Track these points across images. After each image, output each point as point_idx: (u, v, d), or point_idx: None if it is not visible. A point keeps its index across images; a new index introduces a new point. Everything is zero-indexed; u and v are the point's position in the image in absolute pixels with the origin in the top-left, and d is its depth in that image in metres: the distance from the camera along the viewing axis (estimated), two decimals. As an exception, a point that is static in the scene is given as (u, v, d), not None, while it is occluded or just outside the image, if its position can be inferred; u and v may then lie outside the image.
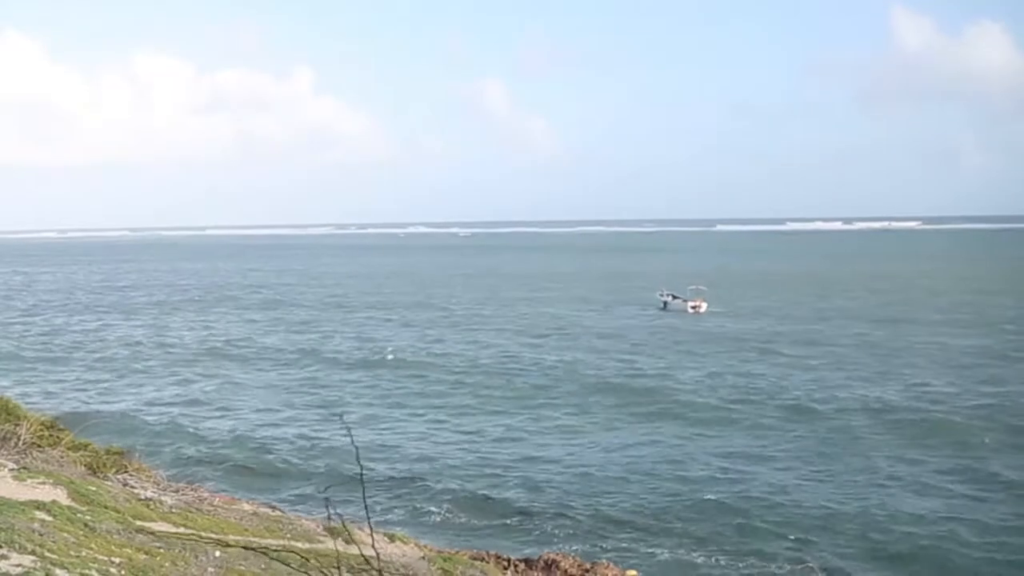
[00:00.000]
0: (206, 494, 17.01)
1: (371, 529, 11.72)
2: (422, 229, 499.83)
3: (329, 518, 16.15)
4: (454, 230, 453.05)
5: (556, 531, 23.79)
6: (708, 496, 25.80)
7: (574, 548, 21.20)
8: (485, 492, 27.03)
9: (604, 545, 22.50)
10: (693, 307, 77.33)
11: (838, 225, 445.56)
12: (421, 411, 38.49)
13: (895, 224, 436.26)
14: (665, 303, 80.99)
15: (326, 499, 16.01)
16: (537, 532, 23.66)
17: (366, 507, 13.06)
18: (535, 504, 25.85)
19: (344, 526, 14.44)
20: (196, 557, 11.43)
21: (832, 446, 31.99)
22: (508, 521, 24.64)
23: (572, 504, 25.80)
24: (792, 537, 24.02)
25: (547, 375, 45.94)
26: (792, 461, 30.37)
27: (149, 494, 15.60)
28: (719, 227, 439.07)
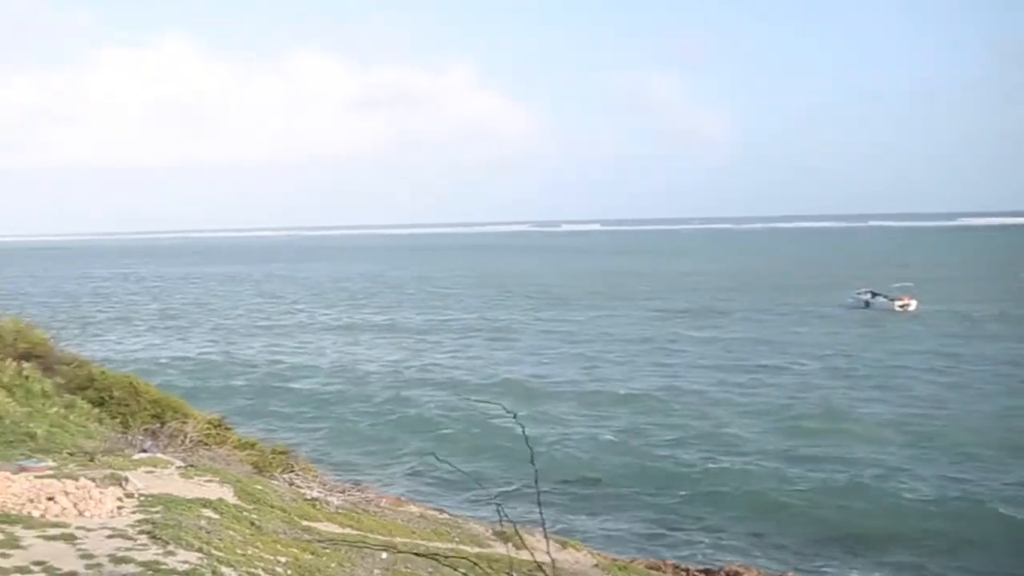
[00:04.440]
0: (372, 495, 18.14)
1: (546, 534, 12.30)
2: (596, 227, 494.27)
3: (501, 522, 16.92)
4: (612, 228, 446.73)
5: (741, 543, 23.80)
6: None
7: (759, 562, 21.20)
8: (663, 499, 27.25)
9: (796, 563, 22.32)
10: (901, 306, 74.44)
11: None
12: (598, 413, 38.97)
13: None
14: (867, 302, 77.97)
15: (497, 503, 16.71)
16: (719, 542, 23.75)
17: (540, 511, 13.63)
18: (720, 514, 25.91)
19: (516, 530, 15.15)
20: (362, 559, 12.39)
21: None
22: (687, 530, 24.83)
23: (765, 517, 25.71)
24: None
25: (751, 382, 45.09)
26: None
27: (315, 494, 16.83)
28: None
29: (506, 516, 14.27)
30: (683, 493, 27.54)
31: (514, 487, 24.95)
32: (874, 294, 78.67)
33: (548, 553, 9.45)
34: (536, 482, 8.59)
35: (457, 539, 16.16)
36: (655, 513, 25.84)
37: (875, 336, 61.50)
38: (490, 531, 17.31)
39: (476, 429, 34.29)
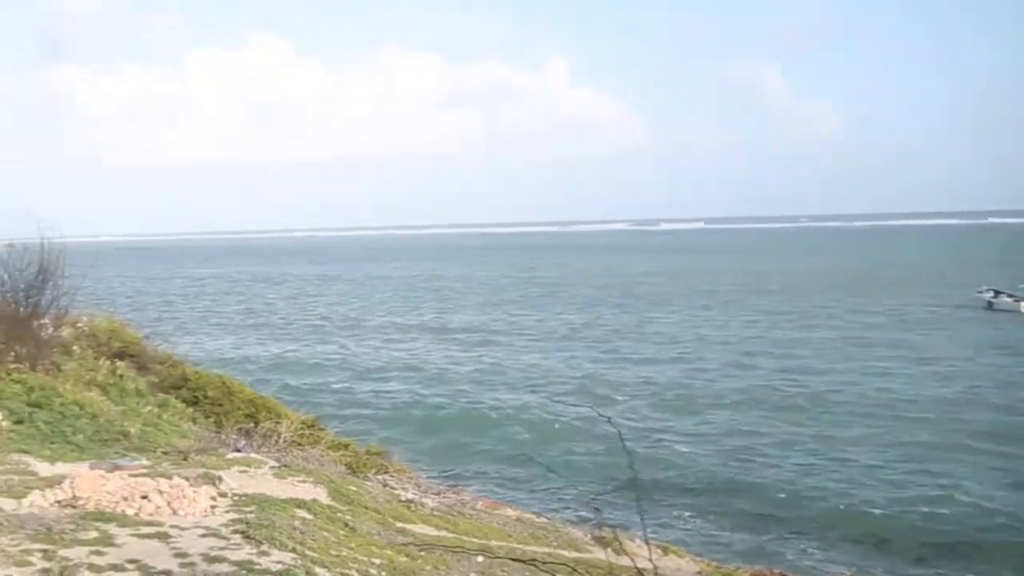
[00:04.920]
0: (468, 497, 18.15)
1: (647, 539, 12.15)
2: (700, 224, 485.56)
3: (600, 527, 16.79)
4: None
5: (853, 553, 23.19)
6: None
7: (874, 569, 20.67)
8: (768, 505, 26.70)
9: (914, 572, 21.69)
10: None
11: None
12: (704, 413, 38.50)
13: None
14: (990, 302, 74.49)
15: (596, 507, 16.62)
16: (829, 551, 23.19)
17: (641, 516, 13.49)
18: (830, 523, 25.28)
19: (616, 536, 15.00)
20: (458, 562, 12.34)
21: None
22: (794, 537, 24.29)
23: (879, 528, 25.04)
24: None
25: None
26: None
27: (410, 496, 16.89)
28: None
29: (605, 520, 14.10)
30: (790, 499, 26.98)
31: (610, 491, 24.73)
32: (997, 293, 75.20)
33: (650, 560, 9.26)
34: (635, 486, 8.38)
35: (554, 544, 16.05)
36: (759, 520, 25.33)
37: (998, 341, 59.17)
38: (588, 536, 17.17)
39: (572, 432, 34.13)
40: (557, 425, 35.64)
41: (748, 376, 46.60)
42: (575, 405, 35.23)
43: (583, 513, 21.48)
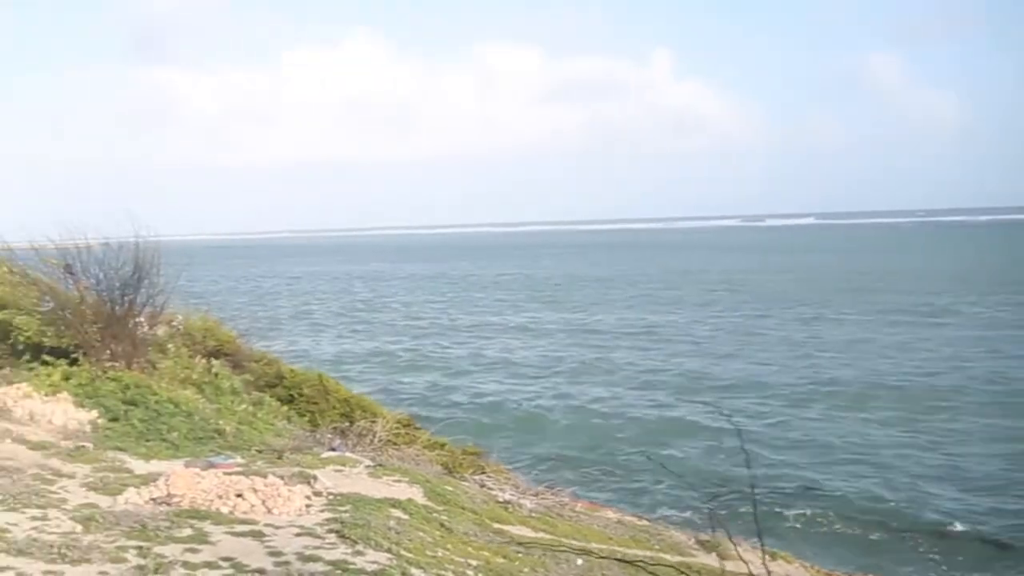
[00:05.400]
0: (567, 499, 18.02)
1: (762, 544, 11.86)
2: (810, 220, 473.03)
3: (713, 529, 16.53)
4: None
5: (973, 559, 22.51)
6: None
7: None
8: (887, 512, 26.06)
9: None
10: None
11: None
12: (817, 412, 37.81)
13: None
14: None
15: (709, 509, 16.36)
16: (950, 557, 22.52)
17: (756, 520, 13.13)
18: (952, 530, 24.59)
19: (729, 537, 14.74)
20: (556, 564, 12.24)
21: None
22: (911, 542, 23.65)
23: (999, 532, 24.25)
24: None
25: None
26: None
27: (507, 496, 16.83)
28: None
29: (718, 523, 13.85)
30: (909, 507, 26.31)
31: (722, 493, 24.38)
32: None
33: (764, 564, 9.04)
34: (752, 488, 8.17)
35: (657, 547, 15.85)
36: (878, 528, 24.79)
37: None
38: (693, 539, 16.94)
39: (678, 432, 33.83)
40: (664, 424, 35.38)
41: (870, 377, 45.58)
42: (689, 402, 34.94)
43: (686, 515, 21.26)
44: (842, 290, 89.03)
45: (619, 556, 13.40)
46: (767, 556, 16.60)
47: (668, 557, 14.91)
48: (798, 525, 24.48)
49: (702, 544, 16.38)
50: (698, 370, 49.02)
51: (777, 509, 25.49)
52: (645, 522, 18.43)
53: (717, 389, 43.88)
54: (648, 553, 14.76)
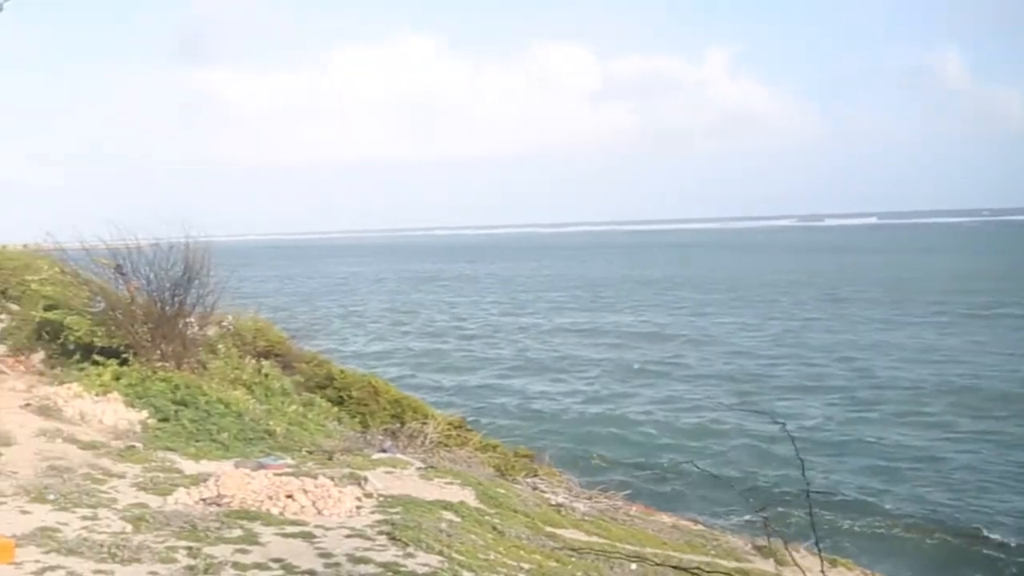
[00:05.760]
0: (620, 503, 17.97)
1: (819, 550, 11.78)
2: (872, 220, 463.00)
3: (768, 536, 16.40)
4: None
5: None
6: None
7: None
8: (954, 519, 25.68)
9: None
10: None
11: None
12: (893, 419, 37.36)
13: None
14: None
15: (765, 516, 16.25)
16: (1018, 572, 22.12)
17: (813, 526, 13.13)
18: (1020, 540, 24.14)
19: (785, 546, 14.62)
20: (610, 569, 12.20)
21: None
22: (974, 554, 23.25)
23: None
24: None
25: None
26: None
27: (560, 500, 16.83)
28: None
29: (773, 529, 13.73)
30: (977, 515, 25.88)
31: (778, 498, 24.18)
32: None
33: (823, 571, 8.95)
34: (808, 496, 8.09)
35: (713, 552, 15.76)
36: (940, 538, 24.41)
37: None
38: (749, 545, 16.82)
39: (735, 437, 33.63)
40: (718, 428, 35.16)
41: (931, 381, 44.96)
42: (743, 409, 34.70)
43: (742, 520, 21.11)
44: (912, 291, 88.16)
45: (674, 562, 13.34)
46: (827, 562, 16.52)
47: (724, 563, 14.79)
48: (856, 531, 24.22)
49: (759, 550, 16.28)
50: (755, 372, 48.73)
51: (835, 515, 25.26)
52: (700, 527, 18.34)
53: (775, 390, 43.61)
54: (704, 559, 14.66)
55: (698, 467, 24.67)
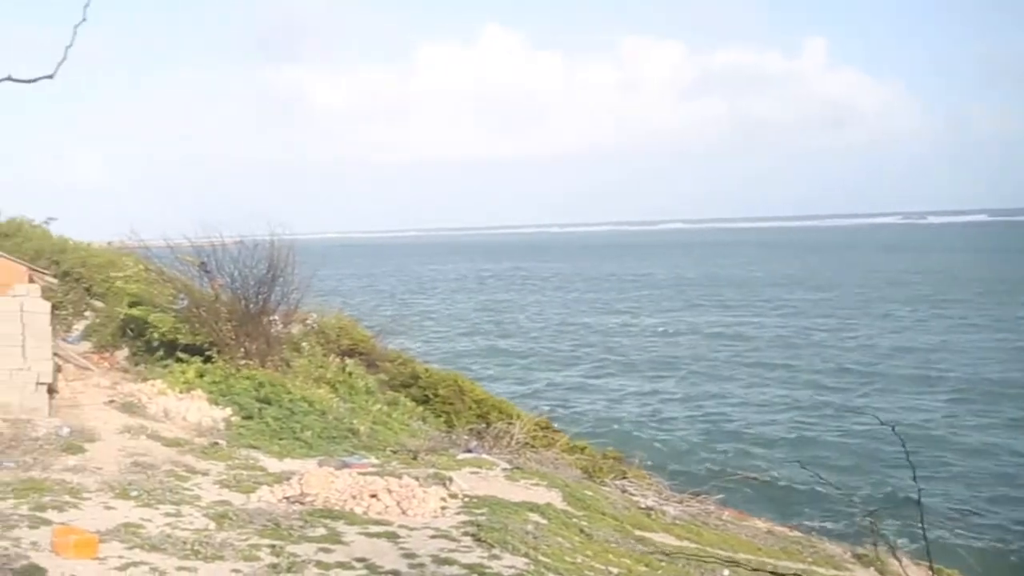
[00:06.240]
0: (712, 507, 17.74)
1: (930, 560, 11.50)
2: (982, 217, 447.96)
3: (876, 544, 16.07)
4: None
5: None
6: None
7: None
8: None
9: None
10: None
11: None
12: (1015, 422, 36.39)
13: None
14: None
15: (871, 521, 15.96)
16: None
17: (924, 535, 12.82)
18: None
19: (894, 553, 14.32)
20: (702, 574, 12.08)
21: None
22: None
23: None
24: None
25: None
26: None
27: (650, 503, 16.67)
28: None
29: (880, 536, 13.42)
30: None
31: (883, 505, 23.67)
32: None
33: (930, 579, 8.72)
34: (919, 503, 7.86)
35: (810, 559, 15.48)
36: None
37: None
38: (849, 553, 16.49)
39: (838, 442, 33.03)
40: (818, 433, 34.62)
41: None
42: (847, 410, 34.07)
43: (840, 527, 20.74)
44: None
45: (769, 568, 13.15)
46: (934, 573, 16.13)
47: (822, 571, 14.57)
48: (968, 542, 23.62)
49: (859, 558, 15.96)
50: (857, 374, 47.90)
51: (944, 524, 24.67)
52: (797, 533, 18.02)
53: (880, 392, 42.80)
54: (800, 566, 14.43)
55: (804, 467, 24.29)
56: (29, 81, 3.00)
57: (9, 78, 3.00)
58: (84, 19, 2.87)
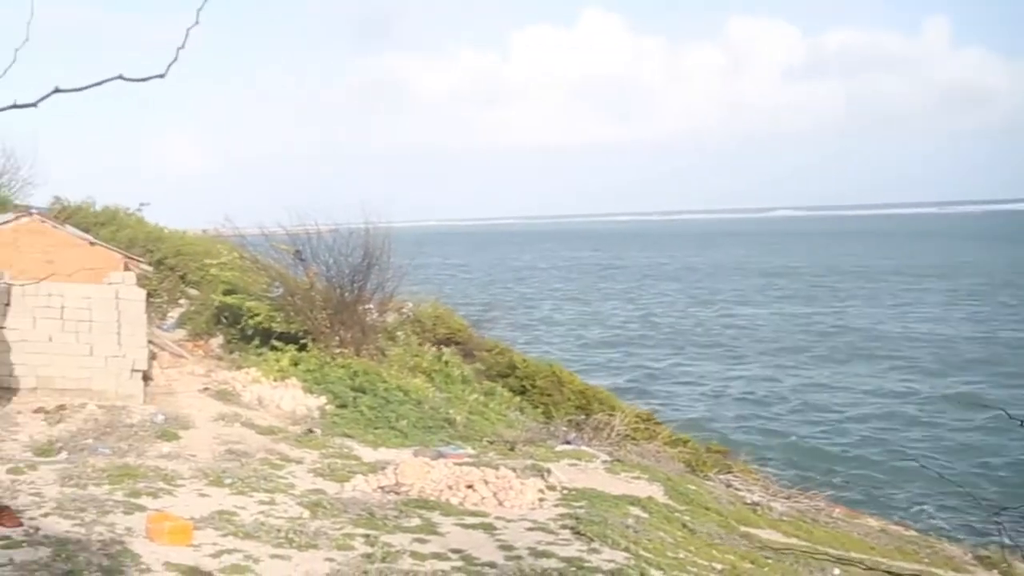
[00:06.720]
0: (822, 504, 17.39)
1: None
2: None
3: (1003, 546, 15.60)
4: None
5: None
6: None
7: None
8: None
9: None
10: None
11: None
12: None
13: None
14: None
15: (998, 522, 15.49)
16: None
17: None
18: None
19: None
20: (810, 573, 11.81)
21: None
22: None
23: None
24: None
25: None
26: None
27: (756, 498, 16.42)
28: None
29: (1010, 537, 13.00)
30: None
31: (1004, 506, 23.03)
32: None
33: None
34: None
35: (927, 560, 15.08)
36: None
37: None
38: (969, 555, 16.04)
39: (963, 438, 32.20)
40: (940, 428, 33.83)
41: None
42: (973, 404, 33.21)
43: (960, 527, 20.21)
44: None
45: (883, 567, 12.87)
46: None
47: (940, 572, 14.17)
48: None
49: (981, 560, 15.49)
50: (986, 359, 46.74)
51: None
52: (913, 532, 17.59)
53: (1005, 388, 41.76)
54: (917, 567, 14.07)
55: (926, 467, 23.76)
56: (141, 80, 3.03)
57: (120, 76, 3.02)
58: (197, 22, 2.89)
